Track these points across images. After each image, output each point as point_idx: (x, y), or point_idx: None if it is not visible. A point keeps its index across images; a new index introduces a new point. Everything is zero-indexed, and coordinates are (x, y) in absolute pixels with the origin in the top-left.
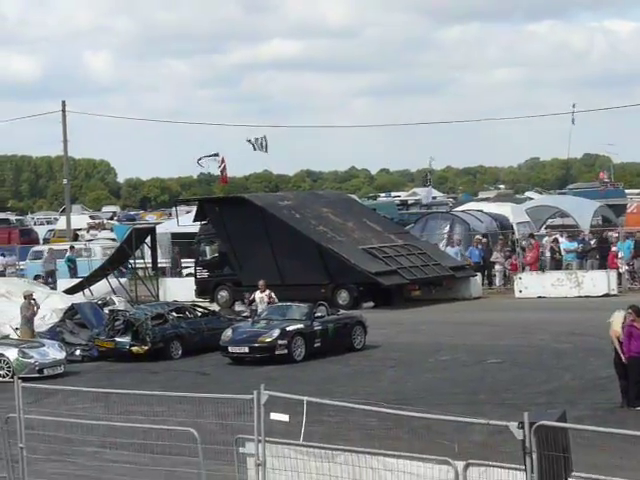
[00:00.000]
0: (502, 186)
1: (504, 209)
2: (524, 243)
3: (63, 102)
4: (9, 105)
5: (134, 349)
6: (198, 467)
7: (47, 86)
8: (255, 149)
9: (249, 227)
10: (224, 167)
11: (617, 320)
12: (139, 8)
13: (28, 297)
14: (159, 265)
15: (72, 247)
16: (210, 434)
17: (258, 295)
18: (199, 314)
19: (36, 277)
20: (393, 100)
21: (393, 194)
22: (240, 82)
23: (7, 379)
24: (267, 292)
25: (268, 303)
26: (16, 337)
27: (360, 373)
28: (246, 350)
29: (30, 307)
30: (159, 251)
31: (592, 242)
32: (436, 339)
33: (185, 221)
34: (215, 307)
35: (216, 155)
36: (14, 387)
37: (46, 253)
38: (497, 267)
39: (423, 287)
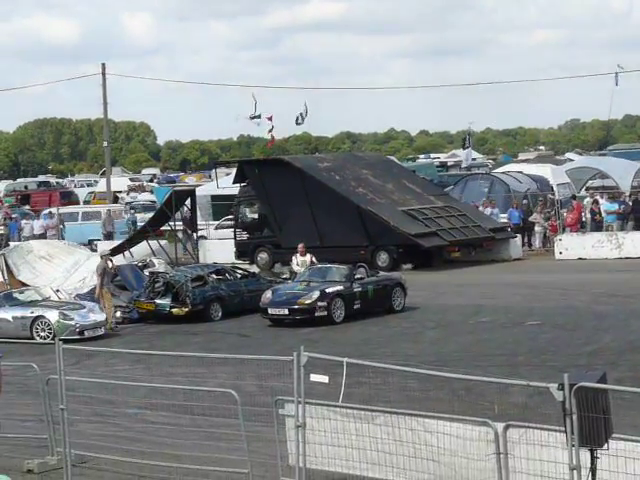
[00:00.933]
0: (542, 147)
1: (544, 170)
2: (565, 204)
3: (103, 65)
4: (49, 69)
5: (174, 311)
6: (238, 428)
7: (87, 49)
8: (298, 123)
9: (288, 189)
10: (272, 129)
11: None
12: None
13: (105, 257)
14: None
15: (132, 208)
16: (250, 395)
17: (300, 258)
18: (239, 276)
19: (90, 241)
20: (432, 61)
21: (432, 156)
22: (279, 44)
23: (48, 341)
24: (308, 256)
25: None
26: (56, 299)
27: (400, 335)
28: (286, 312)
29: (107, 266)
30: (199, 213)
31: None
32: (476, 301)
33: (225, 183)
34: (255, 269)
35: (259, 116)
36: (55, 349)
37: (104, 215)
38: (537, 228)
39: (463, 249)
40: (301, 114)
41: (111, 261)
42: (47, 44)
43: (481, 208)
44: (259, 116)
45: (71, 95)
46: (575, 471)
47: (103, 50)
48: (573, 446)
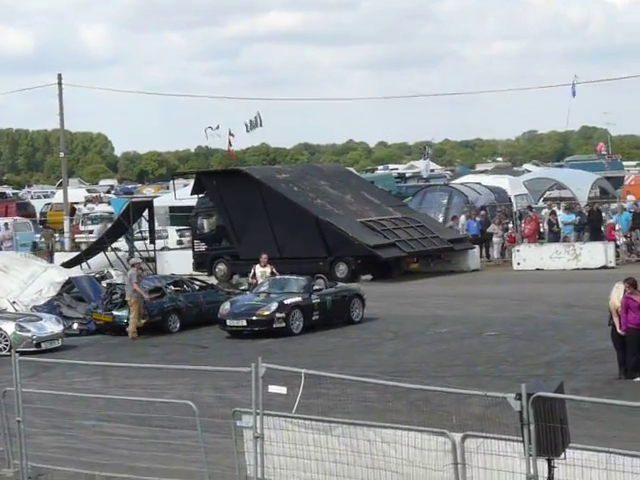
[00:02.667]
0: (500, 159)
1: (502, 181)
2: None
3: (59, 75)
4: (5, 79)
5: None
6: (196, 440)
7: (43, 60)
8: (248, 130)
9: (247, 200)
10: (230, 141)
11: (617, 293)
12: None
13: (136, 265)
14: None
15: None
16: (208, 407)
17: (259, 269)
18: (197, 287)
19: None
20: (391, 72)
21: (391, 167)
22: (238, 55)
23: (4, 353)
24: (268, 267)
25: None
26: (13, 311)
27: (358, 346)
28: (244, 323)
29: (137, 275)
30: (156, 224)
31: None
32: (434, 312)
33: (182, 194)
34: (213, 280)
35: (217, 128)
36: (11, 361)
37: (99, 226)
38: (495, 239)
39: (421, 260)
40: (250, 121)
41: (142, 270)
42: (2, 55)
43: (440, 219)
44: (218, 127)
45: (27, 106)
46: None
47: (59, 61)
48: (530, 456)
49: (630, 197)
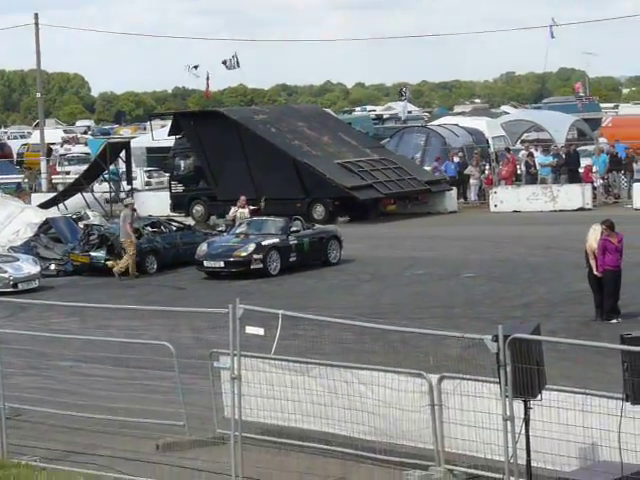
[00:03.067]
0: (478, 100)
1: (479, 123)
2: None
3: (36, 14)
4: None
5: (109, 263)
6: (174, 381)
7: None
8: (228, 68)
9: (224, 141)
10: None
11: (594, 235)
12: None
13: (130, 206)
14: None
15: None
16: (185, 348)
17: (240, 211)
18: (174, 229)
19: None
20: (368, 14)
21: (368, 108)
22: None
23: None
24: (247, 209)
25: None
26: None
27: (336, 287)
28: (221, 264)
29: (131, 215)
30: (133, 165)
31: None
32: (411, 253)
33: (160, 135)
34: (190, 221)
35: (196, 67)
36: None
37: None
38: (472, 181)
39: (398, 201)
40: (229, 60)
41: (135, 210)
42: None
43: (417, 160)
44: (197, 67)
45: (3, 46)
46: (509, 422)
47: (33, 0)
48: (507, 397)
49: (602, 139)
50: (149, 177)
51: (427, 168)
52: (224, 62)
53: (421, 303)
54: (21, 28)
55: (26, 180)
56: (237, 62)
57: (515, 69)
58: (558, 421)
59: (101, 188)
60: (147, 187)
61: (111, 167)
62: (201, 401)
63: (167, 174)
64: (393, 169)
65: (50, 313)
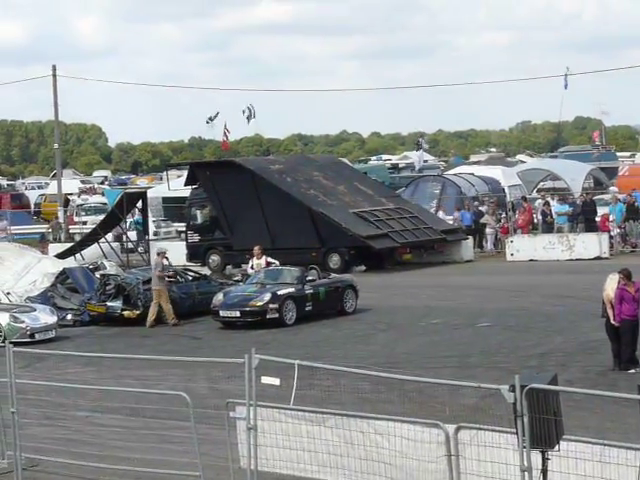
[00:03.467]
0: (493, 149)
1: (495, 172)
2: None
3: (53, 66)
4: None
5: (125, 313)
6: (189, 431)
7: (36, 51)
8: (248, 119)
9: (240, 191)
10: (225, 133)
11: (611, 284)
12: None
13: (161, 254)
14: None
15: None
16: (201, 398)
17: (255, 262)
18: (190, 278)
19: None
20: (383, 63)
21: (384, 157)
22: (230, 46)
23: None
24: (263, 259)
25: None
26: (7, 301)
27: (351, 337)
28: (237, 314)
29: (162, 264)
30: (150, 215)
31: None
32: (427, 303)
33: (176, 185)
34: (206, 271)
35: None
36: (5, 352)
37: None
38: (488, 230)
39: (414, 250)
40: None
41: (167, 259)
42: None
43: (432, 210)
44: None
45: (21, 97)
46: (526, 473)
47: (52, 52)
48: (524, 447)
49: (613, 188)
50: (157, 227)
51: (446, 217)
52: (243, 112)
53: (437, 352)
54: (39, 80)
55: (50, 230)
56: (253, 113)
57: (531, 118)
58: (576, 472)
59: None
60: (154, 237)
61: (135, 217)
62: (217, 451)
63: (177, 224)
64: (409, 218)
65: (67, 363)
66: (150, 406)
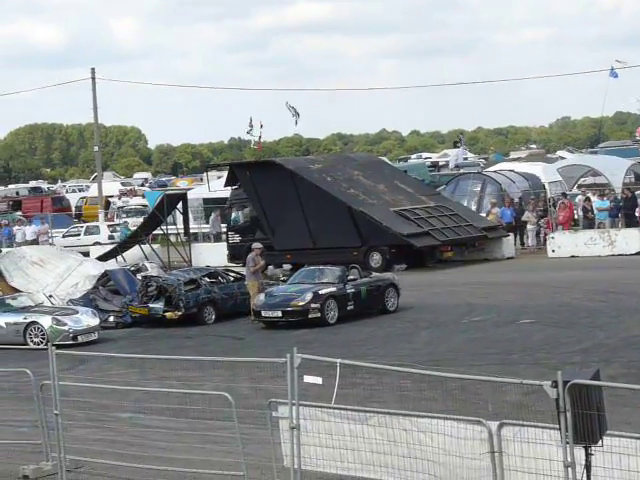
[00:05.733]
0: (533, 146)
1: (536, 169)
2: (557, 202)
3: (92, 69)
4: (38, 74)
5: (167, 315)
6: (233, 431)
7: (74, 54)
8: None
9: (280, 191)
10: (260, 135)
11: None
12: None
13: (256, 250)
14: (191, 230)
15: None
16: (244, 398)
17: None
18: (231, 279)
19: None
20: (422, 61)
21: (424, 156)
22: (267, 46)
23: (41, 346)
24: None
25: None
26: (50, 304)
27: (393, 335)
28: (279, 314)
29: (256, 260)
30: (191, 216)
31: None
32: (469, 300)
33: (216, 186)
34: None
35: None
36: (48, 354)
37: (213, 216)
38: (529, 227)
39: (455, 248)
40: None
41: (262, 257)
42: (34, 49)
43: (473, 207)
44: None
45: (61, 100)
46: (570, 468)
47: (91, 55)
48: (567, 443)
49: None
50: (112, 231)
51: (485, 215)
52: (291, 113)
53: (479, 350)
54: (79, 82)
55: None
56: (296, 111)
57: (570, 114)
58: (620, 467)
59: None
60: (110, 241)
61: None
62: (260, 451)
63: (207, 225)
64: (449, 216)
65: (109, 365)
66: (193, 407)
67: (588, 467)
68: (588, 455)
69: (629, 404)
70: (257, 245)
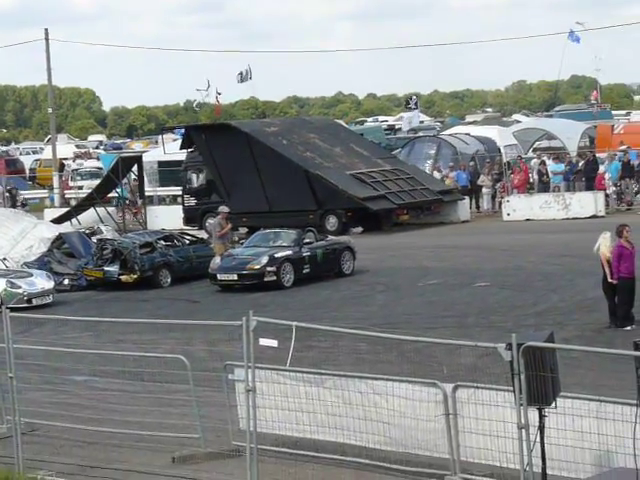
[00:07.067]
0: (489, 109)
1: (491, 132)
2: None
3: (46, 30)
4: None
5: (123, 278)
6: (189, 394)
7: (28, 14)
8: (242, 81)
9: (236, 154)
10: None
11: (604, 242)
12: None
13: (222, 214)
14: (146, 193)
15: None
16: (200, 361)
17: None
18: (187, 242)
19: None
20: (378, 24)
21: (380, 119)
22: (222, 8)
23: None
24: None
25: None
26: (3, 267)
27: (349, 298)
28: (235, 277)
29: (223, 224)
30: (146, 179)
31: (580, 164)
32: (424, 263)
33: (172, 149)
34: (203, 235)
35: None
36: (2, 317)
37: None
38: (485, 190)
39: (411, 211)
40: (241, 73)
41: (228, 220)
42: None
43: (428, 170)
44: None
45: (14, 61)
46: (523, 430)
47: (44, 15)
48: (521, 405)
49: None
50: None
51: (438, 176)
52: (240, 74)
53: (435, 313)
54: (32, 43)
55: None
56: (250, 75)
57: (526, 77)
58: (573, 428)
59: None
60: None
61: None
62: (216, 414)
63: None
64: (405, 179)
65: (64, 328)
66: (149, 369)
67: (542, 429)
68: (542, 417)
69: (582, 366)
70: (224, 209)
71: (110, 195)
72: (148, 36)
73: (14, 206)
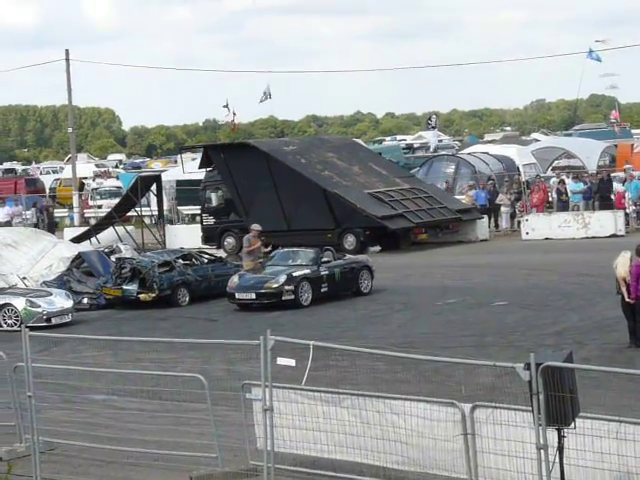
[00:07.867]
0: (508, 128)
1: (510, 151)
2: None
3: (67, 51)
4: (11, 54)
5: (141, 296)
6: (206, 413)
7: (49, 35)
8: (261, 101)
9: (254, 173)
10: (234, 116)
11: (623, 261)
12: None
13: (253, 231)
14: (165, 212)
15: None
16: (218, 380)
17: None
18: (205, 261)
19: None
20: (397, 43)
21: (399, 138)
22: (242, 28)
23: (15, 328)
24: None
25: None
26: (23, 286)
27: (367, 317)
28: (253, 296)
29: (252, 241)
30: (165, 198)
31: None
32: (443, 282)
33: (190, 168)
34: (222, 254)
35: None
36: (22, 336)
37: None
38: (503, 209)
39: (429, 230)
40: (264, 92)
41: (258, 237)
42: (7, 30)
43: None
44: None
45: (35, 81)
46: (542, 450)
47: (65, 36)
48: (540, 425)
49: (628, 166)
50: None
51: (458, 197)
52: (264, 93)
53: (453, 332)
54: (52, 64)
55: None
56: (269, 94)
57: (545, 96)
58: (592, 449)
59: None
60: None
61: None
62: (234, 433)
63: (193, 207)
64: (424, 198)
65: (83, 347)
66: (167, 389)
67: (561, 449)
68: (561, 437)
69: (602, 386)
70: (255, 226)
71: (129, 214)
72: (168, 56)
73: (51, 224)
